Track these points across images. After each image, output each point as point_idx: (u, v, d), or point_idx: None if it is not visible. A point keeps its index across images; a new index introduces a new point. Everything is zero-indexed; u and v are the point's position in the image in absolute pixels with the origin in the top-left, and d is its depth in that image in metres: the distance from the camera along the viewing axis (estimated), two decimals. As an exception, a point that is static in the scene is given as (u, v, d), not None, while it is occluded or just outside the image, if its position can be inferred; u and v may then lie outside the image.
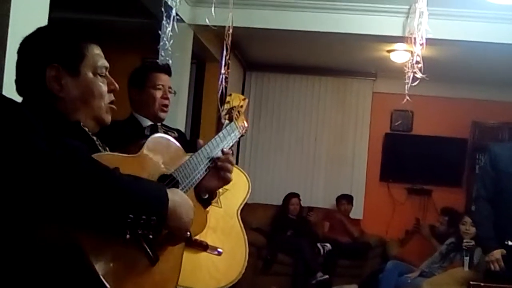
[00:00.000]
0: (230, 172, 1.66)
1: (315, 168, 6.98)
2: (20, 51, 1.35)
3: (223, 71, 3.97)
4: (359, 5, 4.46)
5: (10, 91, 2.04)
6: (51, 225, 1.11)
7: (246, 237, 2.15)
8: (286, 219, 6.25)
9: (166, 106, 2.51)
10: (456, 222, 5.32)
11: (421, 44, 2.95)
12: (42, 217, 1.10)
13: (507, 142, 5.58)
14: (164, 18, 3.23)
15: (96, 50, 1.37)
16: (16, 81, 1.37)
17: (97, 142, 1.37)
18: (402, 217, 6.69)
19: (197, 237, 2.03)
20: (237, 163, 6.84)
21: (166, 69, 2.57)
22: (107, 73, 1.39)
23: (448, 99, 6.85)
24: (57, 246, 1.12)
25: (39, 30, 1.38)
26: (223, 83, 4.12)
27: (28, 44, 1.35)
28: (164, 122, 2.66)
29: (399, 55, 5.72)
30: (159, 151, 1.43)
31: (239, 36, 4.10)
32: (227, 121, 1.88)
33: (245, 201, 2.25)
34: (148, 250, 1.25)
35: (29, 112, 1.17)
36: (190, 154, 1.56)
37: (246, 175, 2.34)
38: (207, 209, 1.68)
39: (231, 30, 3.99)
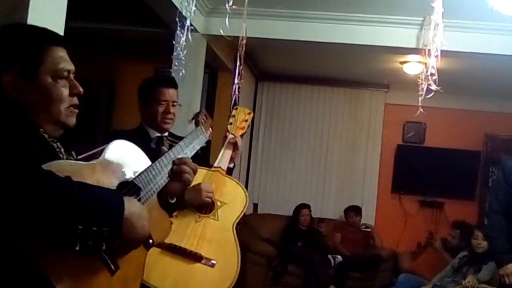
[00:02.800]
0: (189, 173, 1.59)
1: (326, 179, 6.96)
2: None
3: (236, 81, 3.97)
4: (373, 17, 4.45)
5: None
6: (6, 242, 1.09)
7: (239, 250, 2.17)
8: (297, 230, 6.22)
9: (169, 119, 2.57)
10: (468, 236, 5.27)
11: (436, 56, 2.93)
12: None
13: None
14: (178, 28, 3.25)
15: (59, 53, 1.33)
16: None
17: (57, 149, 1.33)
18: (413, 229, 6.64)
19: (192, 249, 2.09)
20: (247, 173, 6.86)
21: (172, 83, 2.63)
22: (71, 76, 1.35)
23: (461, 111, 6.81)
24: (15, 265, 1.10)
25: None
26: (236, 93, 4.13)
27: None
28: (176, 132, 2.70)
29: (412, 66, 5.71)
30: (121, 158, 1.40)
31: (252, 46, 4.11)
32: (199, 128, 1.94)
33: (242, 214, 2.27)
34: (107, 259, 1.23)
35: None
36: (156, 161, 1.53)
37: (244, 189, 2.37)
38: (175, 214, 1.74)
39: (244, 41, 4.01)
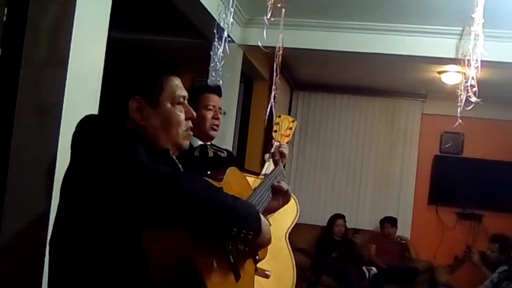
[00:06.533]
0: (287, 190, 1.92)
1: (361, 190, 6.90)
2: (104, 84, 1.52)
3: (273, 92, 3.99)
4: (411, 27, 4.41)
5: (71, 108, 2.13)
6: (167, 239, 1.23)
7: (294, 260, 2.15)
8: (331, 241, 6.18)
9: (217, 125, 2.56)
10: (507, 249, 5.14)
11: (476, 67, 2.88)
12: (152, 228, 1.23)
13: None
14: (216, 40, 3.29)
15: (175, 81, 1.48)
16: (100, 111, 1.52)
17: (182, 170, 1.48)
18: (451, 242, 6.51)
19: None
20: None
21: (217, 90, 2.63)
22: (185, 101, 1.50)
23: (500, 121, 6.66)
24: (172, 260, 1.23)
25: (121, 64, 1.51)
26: (272, 102, 4.14)
27: (112, 78, 1.51)
28: (213, 141, 2.71)
29: (450, 76, 5.62)
30: (234, 182, 1.62)
31: (287, 55, 4.12)
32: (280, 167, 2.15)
33: (293, 224, 2.24)
34: (237, 266, 1.39)
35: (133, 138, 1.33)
36: (255, 187, 1.79)
37: (295, 198, 2.34)
38: None
39: (281, 51, 4.02)
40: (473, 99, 2.88)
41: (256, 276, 2.02)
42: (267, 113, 4.30)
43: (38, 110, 2.00)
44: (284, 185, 1.93)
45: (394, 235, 6.41)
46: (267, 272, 2.04)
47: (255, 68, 5.36)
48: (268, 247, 2.12)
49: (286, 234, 2.19)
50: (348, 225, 6.41)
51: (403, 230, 6.60)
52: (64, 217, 1.35)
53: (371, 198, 6.87)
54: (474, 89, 2.86)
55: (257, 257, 1.57)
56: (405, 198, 6.83)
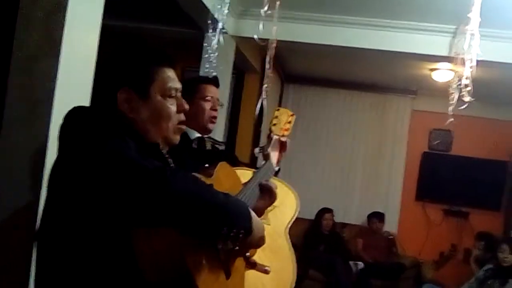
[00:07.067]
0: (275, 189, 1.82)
1: (350, 184, 6.91)
2: (96, 74, 1.44)
3: (265, 84, 3.95)
4: (405, 23, 4.40)
5: (63, 99, 2.09)
6: (157, 237, 1.20)
7: (294, 256, 2.10)
8: (319, 234, 6.19)
9: (215, 117, 2.49)
10: (492, 247, 5.18)
11: (471, 67, 2.87)
12: (142, 226, 1.19)
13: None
14: (210, 31, 3.24)
15: (167, 73, 1.41)
16: (92, 102, 1.46)
17: (172, 165, 1.43)
18: (437, 238, 6.55)
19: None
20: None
21: (215, 81, 2.56)
22: (177, 94, 1.44)
23: (489, 120, 6.70)
24: (163, 259, 1.20)
25: (112, 54, 1.45)
26: (264, 96, 4.11)
27: (102, 69, 1.46)
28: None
29: (441, 74, 5.63)
30: (224, 177, 1.56)
31: (279, 48, 4.10)
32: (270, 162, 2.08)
33: (293, 219, 2.20)
34: (226, 265, 1.36)
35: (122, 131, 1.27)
36: (245, 182, 1.71)
37: (295, 192, 2.29)
38: None
39: (274, 44, 3.99)
40: (467, 98, 2.87)
41: (256, 272, 1.99)
42: (259, 107, 4.28)
43: (29, 100, 1.96)
44: (271, 183, 1.86)
45: (382, 230, 6.44)
46: (266, 268, 2.01)
47: (247, 60, 5.32)
48: (268, 242, 2.09)
49: (286, 229, 2.15)
50: (336, 219, 6.42)
51: (390, 225, 6.63)
52: (51, 213, 1.31)
53: (359, 192, 6.89)
54: (469, 88, 2.84)
55: (247, 254, 1.53)
56: (393, 193, 6.86)
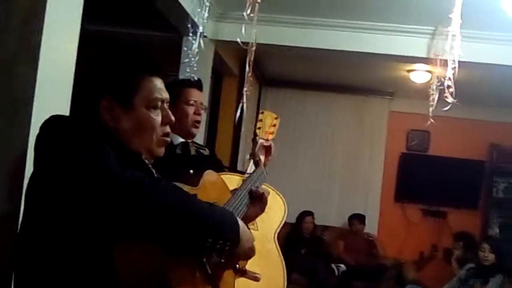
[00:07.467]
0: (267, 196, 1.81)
1: (329, 187, 6.91)
2: (76, 81, 1.38)
3: (245, 88, 3.92)
4: (383, 25, 4.41)
5: (41, 106, 2.02)
6: (137, 251, 1.14)
7: (284, 262, 2.06)
8: (300, 238, 6.17)
9: (199, 122, 2.44)
10: (472, 247, 5.22)
11: (453, 68, 2.88)
12: (117, 238, 1.13)
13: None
14: (191, 34, 3.19)
15: (154, 82, 1.35)
16: (72, 110, 1.42)
17: (155, 175, 1.36)
18: (416, 239, 6.60)
19: None
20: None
21: (199, 85, 2.50)
22: (164, 105, 1.37)
23: (466, 120, 6.77)
24: (143, 274, 1.14)
25: (96, 60, 1.38)
26: (245, 100, 4.07)
27: (85, 75, 1.38)
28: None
29: (419, 75, 5.67)
30: (211, 186, 1.53)
31: (257, 51, 4.07)
32: (262, 168, 2.06)
33: (282, 224, 2.16)
34: (213, 279, 1.29)
35: (101, 140, 1.20)
36: (234, 189, 1.68)
37: (283, 197, 2.26)
38: None
39: (254, 47, 3.95)
40: (450, 99, 2.88)
41: (246, 280, 1.94)
42: (239, 110, 4.24)
43: (7, 108, 1.89)
44: (263, 190, 1.82)
45: (362, 232, 6.45)
46: (257, 275, 1.97)
47: (225, 64, 5.28)
48: (257, 248, 2.05)
49: (274, 234, 2.11)
50: (317, 222, 6.42)
51: (370, 227, 6.65)
52: (29, 225, 1.25)
53: (339, 195, 6.90)
54: (451, 89, 2.85)
55: (237, 266, 1.47)
56: (372, 195, 6.89)
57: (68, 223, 1.15)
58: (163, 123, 1.37)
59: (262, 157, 2.29)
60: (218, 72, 5.60)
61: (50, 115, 1.30)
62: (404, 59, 4.79)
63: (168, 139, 1.41)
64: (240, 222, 1.29)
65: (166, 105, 1.38)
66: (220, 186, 1.64)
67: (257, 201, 1.76)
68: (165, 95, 1.37)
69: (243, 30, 2.78)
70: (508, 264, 4.45)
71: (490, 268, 4.51)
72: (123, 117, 1.30)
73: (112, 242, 1.13)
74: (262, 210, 1.80)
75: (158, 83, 1.36)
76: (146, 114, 1.33)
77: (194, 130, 2.42)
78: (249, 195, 1.74)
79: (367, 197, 6.87)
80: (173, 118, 1.40)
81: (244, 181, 1.81)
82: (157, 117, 1.35)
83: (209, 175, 1.56)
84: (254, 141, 2.30)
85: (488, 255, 4.55)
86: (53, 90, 2.13)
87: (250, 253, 1.36)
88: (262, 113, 2.39)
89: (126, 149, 1.30)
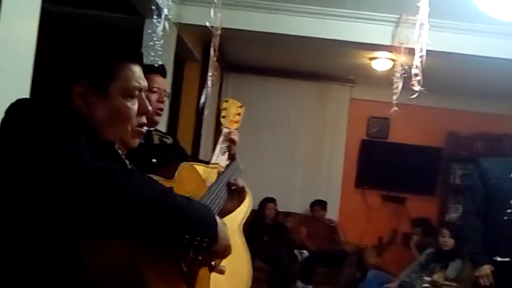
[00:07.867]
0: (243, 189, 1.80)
1: (292, 173, 6.93)
2: (49, 65, 1.29)
3: (210, 73, 3.85)
4: (347, 12, 4.42)
5: (0, 89, 1.91)
6: (109, 248, 1.09)
7: (249, 254, 2.03)
8: (263, 224, 6.17)
9: (162, 109, 2.36)
10: (430, 232, 5.34)
11: (421, 57, 2.89)
12: (88, 232, 1.07)
13: (496, 156, 5.63)
14: (155, 17, 3.09)
15: (132, 70, 1.28)
16: (42, 95, 1.30)
17: (129, 166, 1.29)
18: (377, 224, 6.69)
19: None
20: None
21: (162, 71, 2.40)
22: (142, 94, 1.30)
23: (424, 108, 6.85)
24: (115, 274, 1.09)
25: (72, 43, 1.30)
26: (209, 86, 4.01)
27: (58, 58, 1.28)
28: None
29: (380, 63, 5.72)
30: (187, 179, 1.48)
31: (221, 35, 4.00)
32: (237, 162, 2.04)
33: (247, 215, 2.13)
34: (189, 277, 1.26)
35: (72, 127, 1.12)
36: (210, 185, 1.63)
37: (248, 189, 2.22)
38: None
39: (219, 31, 3.88)
40: (417, 88, 2.89)
41: (212, 273, 1.90)
42: (204, 96, 4.17)
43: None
44: (241, 183, 1.79)
45: (324, 218, 6.50)
46: (222, 268, 1.93)
47: (188, 48, 5.18)
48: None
49: (239, 227, 2.07)
50: (279, 209, 6.42)
51: (332, 213, 6.71)
52: None
53: (301, 181, 6.92)
54: (418, 77, 2.87)
55: (212, 263, 1.43)
56: (333, 181, 6.94)
57: (35, 217, 1.08)
58: (140, 113, 1.30)
59: (224, 146, 2.25)
60: (180, 57, 5.48)
61: (9, 98, 1.20)
62: (367, 46, 4.81)
63: (144, 129, 1.35)
64: (218, 219, 1.24)
65: (144, 94, 1.31)
66: (196, 179, 1.59)
67: (236, 195, 1.74)
68: (144, 83, 1.30)
69: (211, 14, 2.71)
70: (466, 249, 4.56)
71: (449, 253, 4.61)
72: (97, 105, 1.23)
73: (83, 237, 1.07)
74: (239, 203, 1.78)
75: (137, 70, 1.29)
76: (123, 102, 1.26)
77: (157, 118, 2.33)
78: (228, 188, 1.70)
79: (329, 183, 6.93)
80: (150, 107, 1.34)
81: (220, 174, 1.76)
82: (134, 106, 1.28)
83: (185, 167, 1.50)
84: (219, 131, 2.25)
85: (447, 240, 4.65)
86: (13, 71, 2.04)
87: (227, 251, 1.31)
88: (227, 101, 2.34)
89: (98, 138, 1.23)
